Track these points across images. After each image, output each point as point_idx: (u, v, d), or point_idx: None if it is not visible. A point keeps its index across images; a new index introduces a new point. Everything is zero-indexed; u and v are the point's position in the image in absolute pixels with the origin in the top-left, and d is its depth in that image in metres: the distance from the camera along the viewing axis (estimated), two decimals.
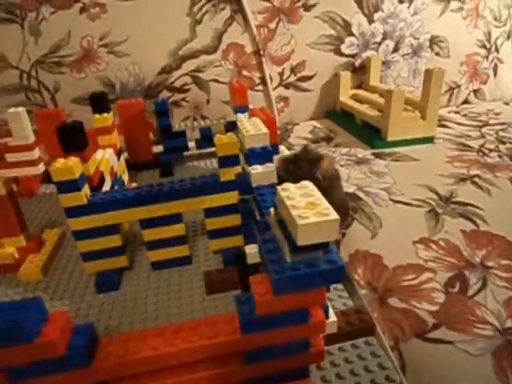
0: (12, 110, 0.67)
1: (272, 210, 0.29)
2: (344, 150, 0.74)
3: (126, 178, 0.66)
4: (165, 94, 0.86)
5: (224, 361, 0.28)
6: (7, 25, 0.77)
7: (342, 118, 0.90)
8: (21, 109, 0.68)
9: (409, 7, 0.89)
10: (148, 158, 0.76)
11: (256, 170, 0.37)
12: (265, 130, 0.38)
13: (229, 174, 0.42)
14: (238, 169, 0.43)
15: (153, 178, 0.73)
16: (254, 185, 0.37)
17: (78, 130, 0.44)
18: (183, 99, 0.87)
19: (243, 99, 0.62)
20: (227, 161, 0.42)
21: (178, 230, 0.45)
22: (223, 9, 0.85)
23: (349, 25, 0.89)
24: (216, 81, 0.87)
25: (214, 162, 0.77)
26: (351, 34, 0.90)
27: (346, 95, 0.91)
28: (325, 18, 0.88)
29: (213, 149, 0.79)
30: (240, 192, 0.42)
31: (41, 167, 0.72)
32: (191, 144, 0.78)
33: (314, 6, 0.87)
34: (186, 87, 0.86)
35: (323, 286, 0.26)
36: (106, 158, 0.55)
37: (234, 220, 0.45)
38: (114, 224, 0.44)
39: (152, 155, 0.76)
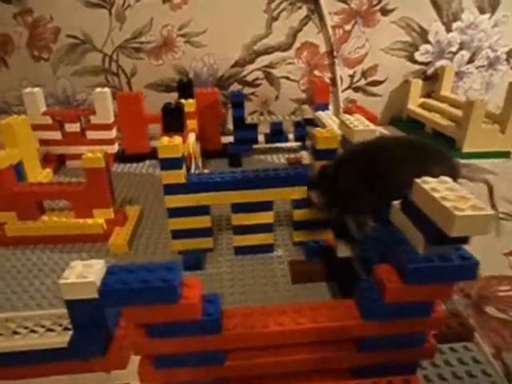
0: (98, 89, 0.71)
1: (396, 204, 0.29)
2: None
3: (200, 163, 0.68)
4: (235, 86, 0.88)
5: (338, 345, 0.28)
6: (97, 9, 0.81)
7: (409, 125, 0.89)
8: (106, 89, 0.71)
9: (490, 18, 0.87)
10: (217, 147, 0.78)
11: None
12: (372, 126, 0.39)
13: None
14: None
15: (222, 167, 0.74)
16: None
17: (180, 111, 0.46)
18: (253, 93, 0.88)
19: (325, 97, 0.62)
20: (324, 154, 0.43)
21: (267, 217, 0.45)
22: (300, 7, 0.86)
23: (425, 32, 0.88)
24: (287, 78, 0.88)
25: (282, 158, 0.77)
26: (427, 42, 0.88)
27: (414, 103, 0.89)
28: (401, 24, 0.87)
29: (281, 144, 0.81)
30: None
31: (115, 146, 0.76)
32: (260, 137, 0.79)
33: (391, 10, 0.86)
34: (257, 82, 0.88)
35: (453, 282, 0.26)
36: (193, 142, 0.57)
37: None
38: (205, 205, 0.45)
39: (220, 145, 0.78)
